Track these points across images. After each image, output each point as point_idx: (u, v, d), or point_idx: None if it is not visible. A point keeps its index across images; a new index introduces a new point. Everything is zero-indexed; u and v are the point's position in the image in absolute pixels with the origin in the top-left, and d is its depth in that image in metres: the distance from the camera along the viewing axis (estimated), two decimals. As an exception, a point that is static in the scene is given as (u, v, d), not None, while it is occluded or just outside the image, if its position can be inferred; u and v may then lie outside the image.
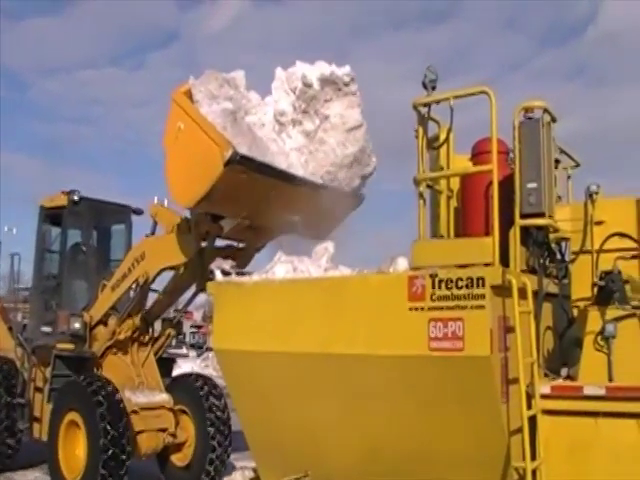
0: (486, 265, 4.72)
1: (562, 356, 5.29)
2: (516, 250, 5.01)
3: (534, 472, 4.52)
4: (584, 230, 5.38)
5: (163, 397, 8.36)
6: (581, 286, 5.32)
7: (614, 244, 5.19)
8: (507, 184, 5.05)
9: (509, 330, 4.68)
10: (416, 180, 5.34)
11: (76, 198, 8.91)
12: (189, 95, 6.15)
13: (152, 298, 8.66)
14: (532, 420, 4.60)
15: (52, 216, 9.34)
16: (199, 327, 30.70)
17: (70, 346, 8.38)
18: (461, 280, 4.60)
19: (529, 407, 4.60)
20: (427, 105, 5.34)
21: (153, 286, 8.39)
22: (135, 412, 7.89)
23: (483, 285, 4.52)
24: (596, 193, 5.36)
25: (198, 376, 9.00)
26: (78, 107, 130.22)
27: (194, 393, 8.55)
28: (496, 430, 4.59)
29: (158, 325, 9.09)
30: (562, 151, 5.75)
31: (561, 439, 4.70)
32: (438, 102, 5.29)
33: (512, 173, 5.13)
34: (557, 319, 5.47)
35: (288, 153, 6.43)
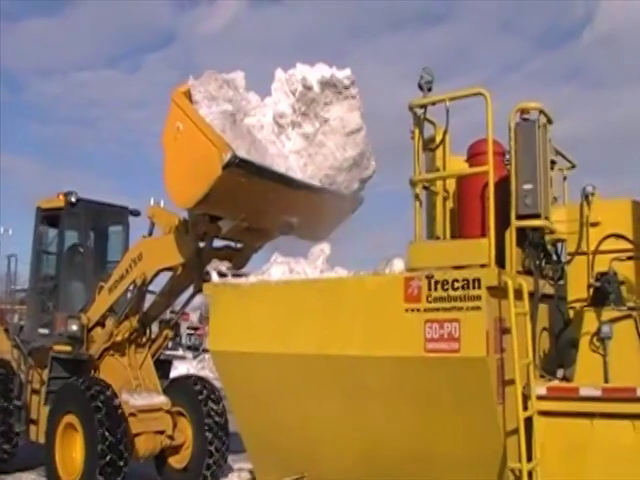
0: (482, 266, 4.74)
1: (558, 357, 5.30)
2: (512, 251, 5.02)
3: (530, 473, 4.53)
4: (580, 231, 5.39)
5: (161, 399, 8.33)
6: (577, 287, 5.32)
7: (610, 245, 5.20)
8: (503, 185, 5.06)
9: (505, 331, 4.69)
10: (412, 181, 5.35)
11: (73, 199, 8.87)
12: (188, 95, 6.13)
13: (149, 300, 8.64)
14: (528, 421, 4.61)
15: (49, 217, 9.30)
16: (195, 329, 30.65)
17: (67, 348, 8.33)
18: (457, 281, 4.62)
19: (525, 408, 4.62)
20: (423, 106, 5.36)
21: (151, 288, 8.38)
22: (133, 414, 7.86)
23: (479, 286, 4.54)
24: (592, 194, 5.37)
25: (197, 379, 8.92)
26: (75, 109, 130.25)
27: (193, 396, 8.51)
28: (492, 431, 4.60)
29: (155, 327, 9.07)
30: (558, 152, 5.76)
31: (557, 440, 4.70)
32: (434, 103, 5.30)
33: (508, 174, 5.15)
34: (553, 320, 5.48)
35: (287, 156, 6.43)
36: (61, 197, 8.97)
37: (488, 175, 4.90)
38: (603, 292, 4.91)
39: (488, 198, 4.90)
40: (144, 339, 8.77)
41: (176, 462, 8.56)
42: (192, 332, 30.68)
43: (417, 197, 5.35)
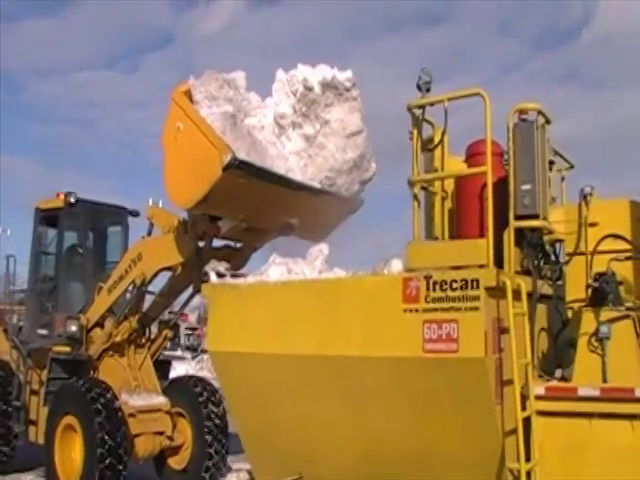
0: (480, 267, 4.75)
1: (556, 357, 5.30)
2: (510, 252, 5.02)
3: (529, 473, 4.54)
4: (578, 232, 5.40)
5: (160, 400, 8.32)
6: (575, 287, 5.33)
7: (608, 245, 5.21)
8: (501, 186, 5.07)
9: (503, 331, 4.69)
10: (410, 182, 5.36)
11: (72, 200, 8.85)
12: (189, 95, 6.12)
13: (149, 300, 8.64)
14: (527, 421, 4.61)
15: (48, 218, 9.28)
16: (194, 329, 30.59)
17: (66, 349, 8.31)
18: (455, 282, 4.62)
19: (523, 408, 4.62)
20: (421, 107, 5.37)
21: (150, 288, 8.38)
22: (132, 415, 7.85)
23: (477, 287, 4.54)
24: (590, 195, 5.37)
25: (197, 380, 8.85)
26: (74, 109, 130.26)
27: (193, 398, 8.49)
28: (491, 431, 4.60)
29: (155, 327, 9.06)
30: (556, 153, 5.76)
31: (555, 440, 4.71)
32: (432, 104, 5.31)
33: (506, 175, 5.15)
34: (551, 320, 5.48)
35: (287, 157, 6.42)
36: (60, 197, 8.96)
37: (486, 175, 4.91)
38: (601, 292, 4.91)
39: (486, 198, 4.90)
40: (143, 340, 8.76)
41: (175, 463, 8.55)
42: (191, 332, 30.64)
43: (415, 197, 5.36)
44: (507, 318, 4.61)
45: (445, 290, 4.65)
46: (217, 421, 8.32)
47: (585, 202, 5.39)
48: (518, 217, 4.97)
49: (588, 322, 4.89)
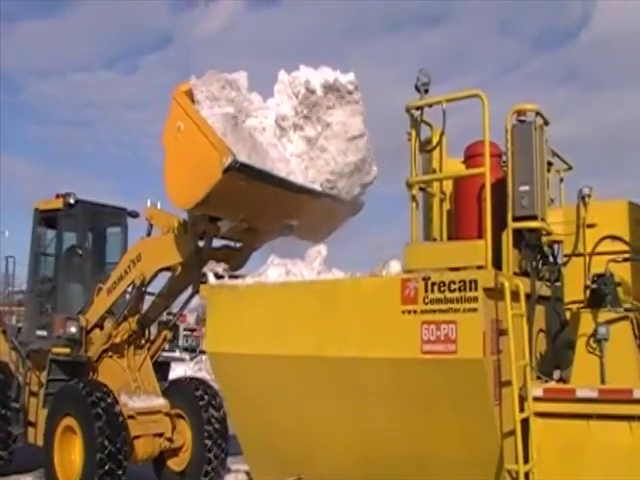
0: (479, 268, 4.75)
1: (555, 359, 5.30)
2: (509, 253, 5.03)
3: (527, 474, 4.54)
4: (576, 233, 5.41)
5: (160, 402, 8.30)
6: (573, 289, 5.34)
7: (606, 247, 5.22)
8: (500, 187, 5.08)
9: (502, 333, 4.70)
10: (409, 183, 5.37)
11: (72, 201, 8.83)
12: (190, 95, 6.10)
13: (148, 302, 8.64)
14: (525, 422, 4.62)
15: (47, 219, 9.26)
16: (192, 330, 30.57)
17: (66, 350, 8.29)
18: (454, 283, 4.62)
19: (522, 410, 4.62)
20: (420, 108, 5.37)
21: (149, 289, 8.38)
22: (132, 417, 7.83)
23: (476, 288, 4.54)
24: (588, 196, 5.38)
25: (198, 383, 8.77)
26: (73, 110, 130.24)
27: (193, 401, 8.45)
28: (489, 432, 4.60)
29: (154, 329, 9.05)
30: (554, 154, 5.76)
31: (554, 441, 4.71)
32: (431, 105, 5.32)
33: (505, 176, 5.16)
34: (550, 322, 5.48)
35: (288, 159, 6.41)
36: (59, 198, 8.95)
37: (485, 177, 4.92)
38: (600, 293, 4.91)
39: (485, 200, 4.91)
40: (143, 341, 8.76)
41: (175, 465, 8.54)
42: (189, 334, 30.61)
43: (414, 199, 5.37)
44: (505, 319, 4.60)
45: (443, 291, 4.65)
46: (217, 425, 8.28)
47: (583, 203, 5.40)
48: (516, 218, 4.98)
49: (586, 323, 4.90)
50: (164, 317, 9.09)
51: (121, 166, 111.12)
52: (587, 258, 5.27)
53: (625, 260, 5.17)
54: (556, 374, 5.05)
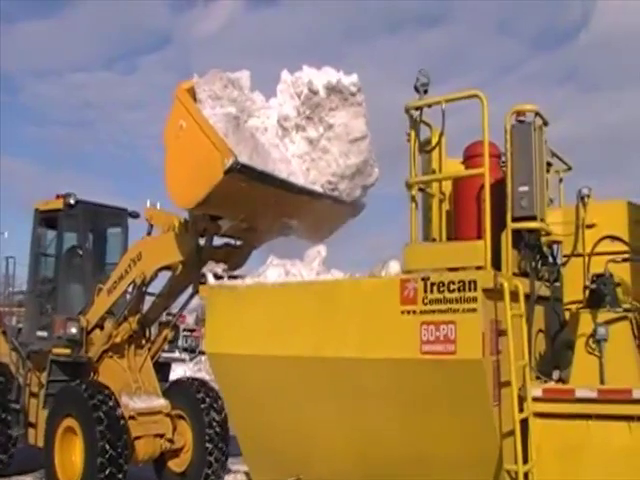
0: (478, 268, 4.75)
1: (554, 359, 5.30)
2: (508, 253, 5.03)
3: (526, 475, 4.53)
4: (576, 233, 5.40)
5: (160, 402, 8.30)
6: (573, 289, 5.33)
7: (605, 247, 5.21)
8: (499, 187, 5.07)
9: (501, 333, 4.70)
10: (408, 184, 5.37)
11: (72, 201, 8.83)
12: (192, 93, 6.08)
13: (149, 302, 8.65)
14: (524, 423, 4.62)
15: (47, 219, 9.27)
16: (192, 331, 30.57)
17: (66, 351, 8.28)
18: (453, 283, 4.62)
19: (521, 410, 4.62)
20: (419, 109, 5.37)
21: (150, 290, 8.38)
22: (132, 418, 7.83)
23: (475, 288, 4.54)
24: (588, 196, 5.38)
25: (200, 385, 8.70)
26: (71, 110, 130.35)
27: (195, 403, 8.41)
28: (488, 433, 4.60)
29: (154, 329, 9.05)
30: (554, 154, 5.76)
31: (553, 442, 4.71)
32: (430, 106, 5.32)
33: (504, 176, 5.16)
34: (549, 322, 5.49)
35: (290, 160, 6.40)
36: (59, 199, 8.96)
37: (484, 177, 4.92)
38: (599, 294, 4.90)
39: (484, 200, 4.91)
40: (143, 341, 8.76)
41: (175, 466, 8.54)
42: (188, 334, 30.59)
43: (413, 199, 5.37)
44: (505, 320, 4.60)
45: (443, 292, 4.65)
46: (218, 429, 8.26)
47: (583, 204, 5.39)
48: (515, 219, 4.98)
49: (585, 323, 4.89)
50: (163, 317, 9.09)
51: (120, 166, 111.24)
52: (586, 258, 5.26)
53: (624, 260, 5.16)
54: (555, 374, 5.04)
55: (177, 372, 14.35)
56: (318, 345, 5.14)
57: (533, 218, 4.98)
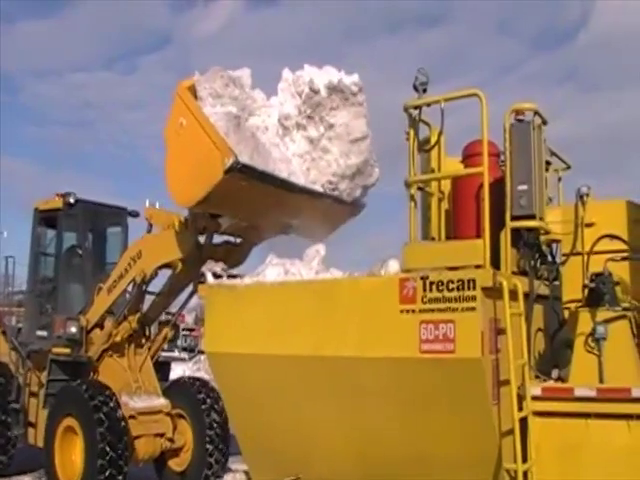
0: (477, 267, 4.75)
1: (553, 358, 5.30)
2: (507, 252, 5.02)
3: (525, 474, 4.54)
4: (575, 232, 5.40)
5: (161, 402, 8.30)
6: (572, 288, 5.32)
7: (604, 246, 5.20)
8: (498, 186, 5.07)
9: (500, 332, 4.70)
10: (407, 182, 5.37)
11: (72, 200, 8.82)
12: (193, 90, 6.06)
13: (149, 301, 8.65)
14: (523, 422, 4.62)
15: (47, 219, 9.26)
16: (191, 330, 30.58)
17: (66, 350, 8.28)
18: (452, 282, 4.62)
19: (520, 409, 4.62)
20: (418, 107, 5.36)
21: (150, 289, 8.38)
22: (133, 417, 7.84)
23: (474, 287, 4.54)
24: (587, 195, 5.37)
25: (200, 385, 8.66)
26: (71, 110, 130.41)
27: (195, 403, 8.39)
28: (487, 432, 4.60)
29: (154, 329, 9.05)
30: (553, 153, 5.76)
31: (552, 441, 4.71)
32: (429, 105, 5.32)
33: (503, 175, 5.16)
34: (548, 321, 5.49)
35: (290, 159, 6.39)
36: (59, 198, 8.95)
37: (483, 176, 4.92)
38: (598, 293, 4.90)
39: (483, 199, 4.91)
40: (143, 340, 8.76)
41: (176, 465, 8.54)
42: (187, 333, 30.59)
43: (412, 198, 5.37)
44: (504, 318, 4.60)
45: (442, 291, 4.65)
46: (219, 430, 8.25)
47: (582, 202, 5.39)
48: (514, 218, 4.98)
49: (585, 322, 4.89)
50: (163, 317, 9.09)
51: (120, 166, 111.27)
52: (585, 257, 5.26)
53: (623, 259, 5.15)
54: (554, 373, 5.05)
55: (176, 371, 14.32)
56: (317, 344, 5.14)
57: (532, 217, 4.98)
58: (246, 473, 6.09)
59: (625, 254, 5.17)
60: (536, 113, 5.13)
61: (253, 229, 6.93)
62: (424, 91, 5.27)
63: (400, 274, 5.01)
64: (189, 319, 30.48)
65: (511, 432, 4.52)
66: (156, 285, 8.32)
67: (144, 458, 8.12)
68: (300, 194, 6.24)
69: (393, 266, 5.13)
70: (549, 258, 5.58)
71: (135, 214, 9.60)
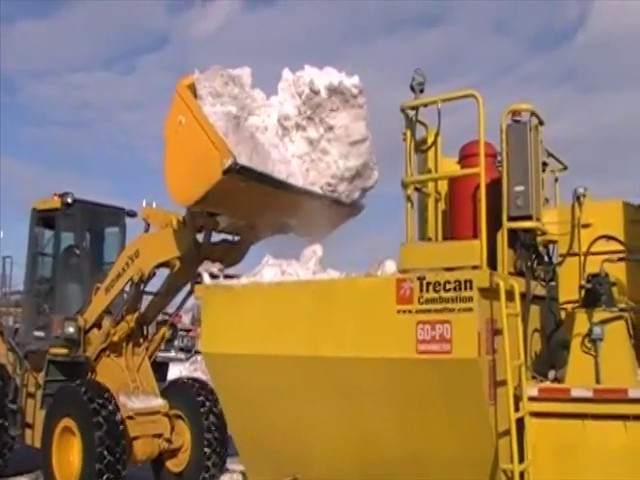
0: (474, 268, 4.75)
1: (550, 358, 5.30)
2: (504, 253, 5.03)
3: (522, 474, 4.54)
4: (571, 233, 5.40)
5: (159, 402, 8.30)
6: (568, 288, 5.32)
7: (601, 247, 5.19)
8: (495, 187, 5.07)
9: (497, 333, 4.70)
10: (404, 183, 5.36)
11: (70, 200, 8.82)
12: (193, 89, 6.05)
13: (147, 301, 8.64)
14: (520, 422, 4.62)
15: (45, 219, 9.26)
16: (188, 330, 30.54)
17: (64, 351, 8.27)
18: (449, 283, 4.62)
19: (517, 409, 4.62)
20: (415, 108, 5.36)
21: (147, 289, 8.37)
22: (130, 418, 7.84)
23: (471, 288, 4.54)
24: (583, 196, 5.37)
25: (200, 388, 8.63)
26: (70, 111, 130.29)
27: (194, 405, 8.38)
28: (484, 432, 4.61)
29: (152, 329, 9.04)
30: (550, 154, 5.77)
31: (549, 441, 4.71)
32: (426, 105, 5.31)
33: (500, 176, 5.16)
34: (545, 321, 5.49)
35: (289, 160, 6.38)
36: (57, 198, 8.95)
37: (480, 177, 4.91)
38: (594, 293, 4.90)
39: (480, 200, 4.90)
40: (141, 340, 8.76)
41: (173, 466, 8.54)
42: (184, 334, 30.54)
43: (409, 199, 5.36)
44: (500, 319, 4.61)
45: (438, 291, 4.65)
46: (217, 434, 8.26)
47: (578, 203, 5.39)
48: (511, 218, 4.98)
49: (581, 323, 4.89)
50: (159, 317, 9.09)
51: (119, 167, 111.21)
52: (582, 258, 5.26)
53: (620, 260, 5.16)
54: (551, 374, 5.04)
55: (173, 372, 14.30)
56: (314, 344, 5.14)
57: (529, 217, 4.99)
58: (243, 474, 6.09)
59: (622, 255, 5.17)
60: (533, 114, 5.13)
61: (251, 228, 6.94)
62: (421, 91, 5.27)
63: (397, 274, 5.01)
64: (186, 319, 30.41)
65: (508, 432, 4.53)
66: (154, 285, 8.33)
67: (142, 459, 8.13)
68: (298, 195, 6.24)
69: (390, 266, 5.14)
70: (546, 259, 5.58)
71: (133, 214, 9.60)
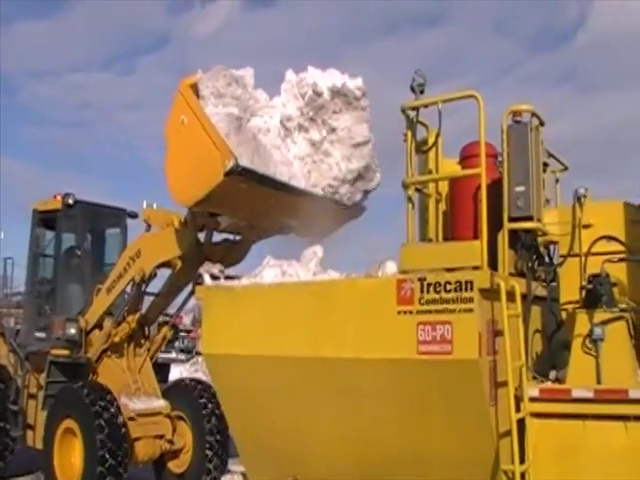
0: (474, 269, 4.74)
1: (550, 359, 5.30)
2: (504, 253, 5.03)
3: (523, 475, 4.54)
4: (572, 233, 5.39)
5: (160, 403, 8.31)
6: (569, 289, 5.32)
7: (602, 247, 5.19)
8: (495, 188, 5.07)
9: (498, 333, 4.69)
10: (405, 184, 5.36)
11: (71, 201, 8.83)
12: (195, 89, 6.04)
13: (148, 302, 8.65)
14: (521, 423, 4.61)
15: (46, 220, 9.28)
16: (188, 331, 30.54)
17: (65, 352, 8.29)
18: (449, 284, 4.62)
19: (518, 410, 4.62)
20: (415, 109, 5.36)
21: (149, 290, 8.38)
22: (132, 419, 7.84)
23: (471, 289, 4.53)
24: (584, 196, 5.37)
25: (202, 390, 8.60)
26: (70, 111, 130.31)
27: (196, 406, 8.39)
28: (485, 433, 4.60)
29: (153, 330, 9.04)
30: (550, 154, 5.77)
31: (550, 442, 4.71)
32: (426, 106, 5.31)
33: (500, 177, 5.16)
34: (546, 322, 5.49)
35: (291, 162, 6.38)
36: (58, 199, 8.95)
37: (480, 177, 4.91)
38: (595, 294, 4.89)
39: (480, 200, 4.90)
40: (142, 341, 8.76)
41: (175, 467, 8.55)
42: (185, 335, 30.52)
43: (409, 199, 5.36)
44: (501, 320, 4.60)
45: (439, 292, 4.65)
46: (219, 436, 8.26)
47: (579, 204, 5.38)
48: (512, 219, 4.98)
49: (582, 324, 4.88)
50: (160, 318, 9.09)
51: (119, 167, 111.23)
52: (583, 258, 5.26)
53: (621, 260, 5.15)
54: (552, 374, 5.04)
55: (174, 373, 14.32)
56: (315, 345, 5.13)
57: (530, 218, 4.99)
58: (244, 475, 6.08)
59: (622, 255, 5.17)
60: (533, 114, 5.13)
61: (252, 228, 6.94)
62: (421, 92, 5.27)
63: (397, 275, 5.01)
64: (187, 320, 30.42)
65: (509, 433, 4.52)
66: (155, 286, 8.34)
67: (143, 460, 8.13)
68: (300, 196, 6.24)
69: (390, 267, 5.13)
70: (546, 259, 5.57)
71: (134, 215, 9.60)
